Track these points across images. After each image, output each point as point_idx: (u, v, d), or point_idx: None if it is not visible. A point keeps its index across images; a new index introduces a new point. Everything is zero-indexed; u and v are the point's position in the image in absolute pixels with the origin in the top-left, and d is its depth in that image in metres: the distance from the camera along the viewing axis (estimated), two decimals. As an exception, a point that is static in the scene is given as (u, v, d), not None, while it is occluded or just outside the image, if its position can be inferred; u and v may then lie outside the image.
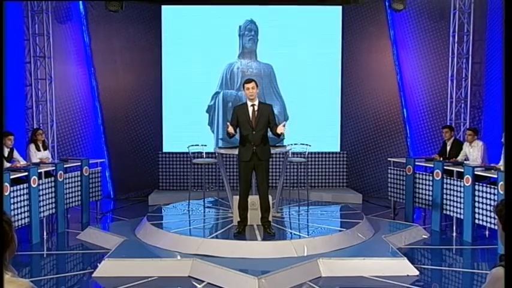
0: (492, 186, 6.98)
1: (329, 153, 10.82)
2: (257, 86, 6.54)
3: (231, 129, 6.31)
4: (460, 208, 7.54)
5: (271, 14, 10.61)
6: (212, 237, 6.56)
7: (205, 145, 9.82)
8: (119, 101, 10.52)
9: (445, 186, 7.87)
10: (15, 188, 7.02)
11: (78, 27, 10.24)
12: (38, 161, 8.18)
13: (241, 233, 6.61)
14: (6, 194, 6.77)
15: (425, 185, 8.28)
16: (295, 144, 9.78)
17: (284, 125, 6.34)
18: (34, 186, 7.37)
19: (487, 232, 7.49)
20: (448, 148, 8.66)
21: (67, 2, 10.00)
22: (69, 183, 8.29)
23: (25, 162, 8.03)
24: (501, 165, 7.29)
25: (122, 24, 10.34)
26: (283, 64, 10.61)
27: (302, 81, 10.59)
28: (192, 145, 9.70)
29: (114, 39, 10.46)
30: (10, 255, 2.23)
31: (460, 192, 7.53)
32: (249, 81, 6.53)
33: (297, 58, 10.60)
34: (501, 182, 6.70)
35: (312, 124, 10.57)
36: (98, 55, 10.36)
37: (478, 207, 7.22)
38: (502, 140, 7.31)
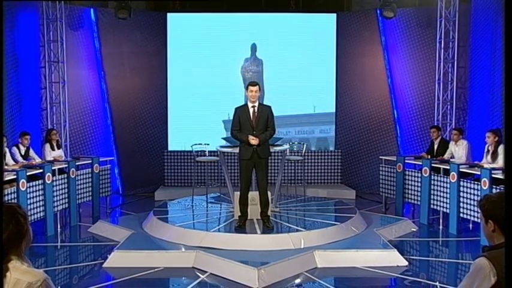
0: (476, 183, 7.01)
1: (324, 151, 10.83)
2: (260, 89, 6.59)
3: (254, 141, 6.34)
4: (446, 203, 7.56)
5: (271, 20, 10.63)
6: (214, 231, 6.58)
7: (208, 144, 9.84)
8: (127, 103, 10.53)
9: (432, 182, 7.89)
10: (31, 184, 7.05)
11: (89, 34, 10.25)
12: (52, 159, 8.21)
13: (241, 226, 6.62)
14: (23, 189, 6.81)
15: (414, 181, 8.30)
16: (292, 143, 9.81)
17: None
18: (48, 182, 7.39)
19: (470, 225, 7.52)
20: (436, 147, 8.68)
21: (79, 10, 10.01)
22: (80, 179, 8.30)
23: (40, 160, 8.07)
24: (484, 162, 7.32)
25: (130, 31, 10.35)
26: (282, 67, 10.63)
27: (300, 83, 10.61)
28: (196, 144, 9.72)
29: (123, 45, 10.47)
30: (25, 247, 2.26)
31: (446, 188, 7.55)
32: (253, 84, 6.55)
33: (295, 62, 10.63)
34: (484, 179, 6.74)
35: (308, 124, 10.62)
36: (108, 60, 10.38)
37: (463, 202, 7.25)
38: (486, 139, 7.36)
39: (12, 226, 2.18)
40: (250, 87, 6.50)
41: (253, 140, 6.33)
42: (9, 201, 2.52)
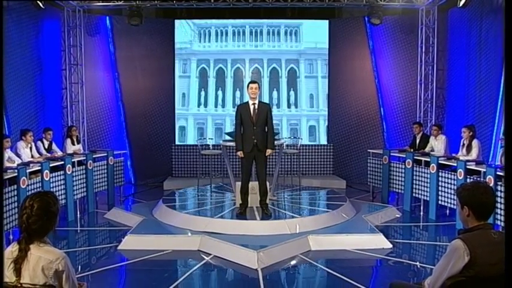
0: (453, 173, 7.05)
1: (318, 145, 10.85)
2: (259, 87, 6.60)
3: (240, 155, 6.49)
4: (427, 191, 7.60)
5: (270, 25, 10.63)
6: (218, 217, 6.60)
7: (212, 138, 9.86)
8: (138, 101, 10.55)
9: (414, 173, 7.92)
10: (53, 174, 7.11)
11: (105, 39, 10.27)
12: (72, 152, 8.24)
13: (242, 213, 6.65)
14: (47, 179, 6.87)
15: (399, 172, 8.34)
16: (289, 137, 9.83)
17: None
18: (69, 173, 7.43)
19: (448, 211, 7.57)
20: (418, 141, 8.70)
21: (96, 17, 10.01)
22: (97, 170, 8.33)
23: (61, 153, 8.10)
24: (460, 155, 7.37)
25: (141, 36, 10.36)
26: (280, 70, 10.64)
27: (296, 84, 10.62)
28: (201, 138, 9.74)
29: (135, 49, 10.48)
30: (52, 229, 2.30)
31: (427, 178, 7.59)
32: (253, 82, 6.59)
33: (292, 64, 10.64)
34: (460, 169, 6.79)
35: (304, 121, 10.64)
36: (121, 62, 10.40)
37: (441, 191, 7.30)
38: (462, 134, 7.41)
39: (43, 222, 2.23)
40: (251, 85, 6.52)
41: (240, 153, 6.47)
42: (46, 191, 2.55)
